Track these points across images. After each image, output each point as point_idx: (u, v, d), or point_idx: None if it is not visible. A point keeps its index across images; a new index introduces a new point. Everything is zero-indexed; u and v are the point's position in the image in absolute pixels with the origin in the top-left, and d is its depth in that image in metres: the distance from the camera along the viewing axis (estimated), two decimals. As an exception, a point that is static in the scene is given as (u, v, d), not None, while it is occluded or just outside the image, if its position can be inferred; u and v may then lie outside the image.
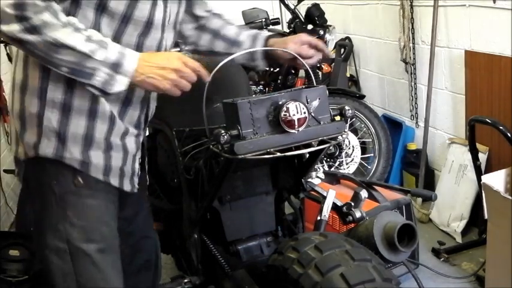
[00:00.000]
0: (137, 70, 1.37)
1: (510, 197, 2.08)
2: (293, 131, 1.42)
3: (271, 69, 3.95)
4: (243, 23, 3.43)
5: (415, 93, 3.59)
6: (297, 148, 1.47)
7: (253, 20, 3.81)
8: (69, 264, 1.46)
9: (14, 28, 1.26)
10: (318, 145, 1.48)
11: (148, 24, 1.44)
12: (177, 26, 1.62)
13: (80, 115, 1.43)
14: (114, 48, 1.35)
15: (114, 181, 1.51)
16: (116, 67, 1.35)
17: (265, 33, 1.79)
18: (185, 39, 1.83)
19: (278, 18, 4.00)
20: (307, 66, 1.73)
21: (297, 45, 1.70)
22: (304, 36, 1.73)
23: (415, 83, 3.58)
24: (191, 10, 1.77)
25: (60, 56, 1.30)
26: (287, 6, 3.79)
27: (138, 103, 1.55)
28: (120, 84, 1.36)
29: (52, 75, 1.39)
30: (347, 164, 3.61)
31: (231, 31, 1.80)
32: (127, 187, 1.57)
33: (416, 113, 3.63)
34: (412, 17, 3.41)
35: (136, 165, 1.60)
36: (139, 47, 1.46)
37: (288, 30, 3.84)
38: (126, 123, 1.52)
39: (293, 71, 3.94)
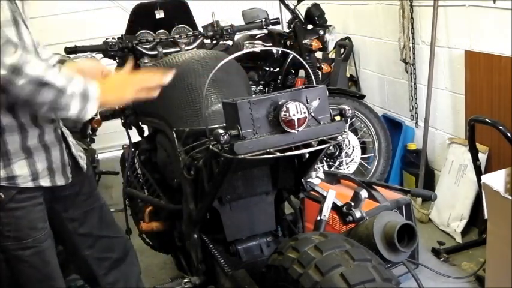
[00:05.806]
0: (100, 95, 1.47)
1: (510, 197, 2.08)
2: (293, 131, 1.42)
3: (271, 69, 3.95)
4: (243, 23, 3.43)
5: (415, 93, 3.59)
6: (297, 148, 1.47)
7: (253, 20, 3.79)
8: (9, 271, 1.59)
9: None
10: (317, 145, 1.48)
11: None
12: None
13: None
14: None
15: (45, 182, 1.60)
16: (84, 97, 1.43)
17: None
18: None
19: (278, 18, 3.98)
20: (307, 66, 1.73)
21: None
22: None
23: (415, 83, 3.58)
24: None
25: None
26: (287, 6, 3.78)
27: None
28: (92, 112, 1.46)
29: None
30: (347, 164, 3.61)
31: None
32: (60, 181, 1.65)
33: (416, 113, 3.63)
34: (412, 17, 3.41)
35: (65, 157, 1.67)
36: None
37: (287, 30, 3.84)
38: (40, 122, 1.56)
39: (293, 71, 3.94)
